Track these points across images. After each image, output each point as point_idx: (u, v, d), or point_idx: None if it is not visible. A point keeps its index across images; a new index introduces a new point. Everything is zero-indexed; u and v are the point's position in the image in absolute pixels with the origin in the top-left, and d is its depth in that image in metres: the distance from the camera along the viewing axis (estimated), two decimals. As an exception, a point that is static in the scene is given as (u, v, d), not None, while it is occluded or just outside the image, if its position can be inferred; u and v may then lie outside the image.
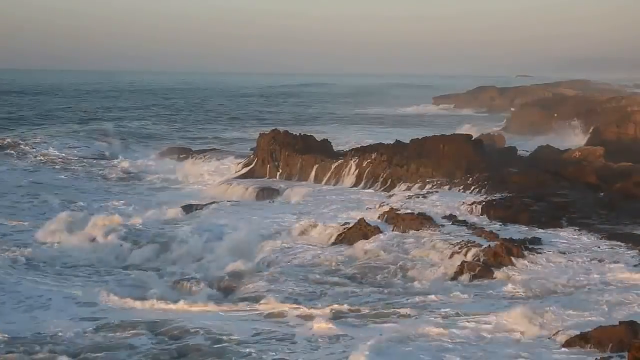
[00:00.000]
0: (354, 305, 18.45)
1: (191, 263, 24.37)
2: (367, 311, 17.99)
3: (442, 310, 17.59)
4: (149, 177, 43.53)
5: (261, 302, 18.97)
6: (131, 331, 16.79)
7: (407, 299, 19.00)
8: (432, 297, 18.96)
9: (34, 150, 49.61)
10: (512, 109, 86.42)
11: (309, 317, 17.43)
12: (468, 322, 16.42)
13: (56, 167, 45.68)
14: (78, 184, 41.06)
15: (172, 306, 18.87)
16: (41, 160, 47.11)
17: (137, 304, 19.29)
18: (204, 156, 48.89)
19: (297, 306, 18.36)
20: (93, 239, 26.82)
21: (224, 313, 18.39)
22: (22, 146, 50.34)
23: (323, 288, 20.39)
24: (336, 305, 18.18)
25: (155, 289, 20.76)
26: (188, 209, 31.95)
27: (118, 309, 18.91)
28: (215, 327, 16.83)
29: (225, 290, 21.23)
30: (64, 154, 49.02)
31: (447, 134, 39.73)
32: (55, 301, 19.42)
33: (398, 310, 17.88)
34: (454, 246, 22.44)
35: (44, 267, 23.44)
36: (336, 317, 17.49)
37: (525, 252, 21.67)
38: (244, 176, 40.60)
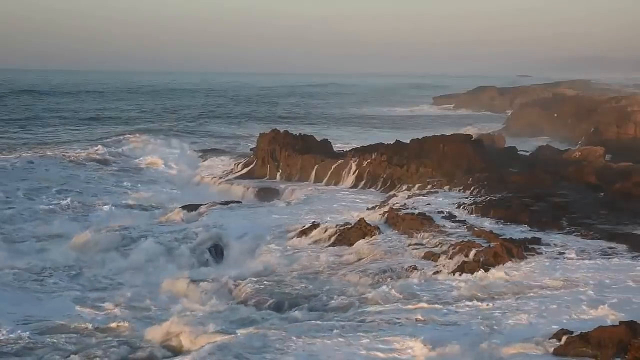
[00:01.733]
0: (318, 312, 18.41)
1: (189, 264, 24.33)
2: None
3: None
4: (148, 176, 43.45)
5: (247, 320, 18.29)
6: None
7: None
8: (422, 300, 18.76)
9: (36, 149, 49.65)
10: (509, 111, 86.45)
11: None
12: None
13: (56, 165, 45.53)
14: (75, 183, 40.95)
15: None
16: (41, 158, 47.03)
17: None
18: (204, 156, 48.94)
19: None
20: (88, 240, 26.75)
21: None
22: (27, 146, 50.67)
23: (309, 293, 20.22)
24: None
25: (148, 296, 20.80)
26: (188, 209, 31.88)
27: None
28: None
29: (224, 293, 21.09)
30: (66, 153, 48.94)
31: (447, 134, 39.75)
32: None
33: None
34: (454, 246, 22.40)
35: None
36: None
37: (525, 252, 21.65)
38: (244, 176, 40.60)
